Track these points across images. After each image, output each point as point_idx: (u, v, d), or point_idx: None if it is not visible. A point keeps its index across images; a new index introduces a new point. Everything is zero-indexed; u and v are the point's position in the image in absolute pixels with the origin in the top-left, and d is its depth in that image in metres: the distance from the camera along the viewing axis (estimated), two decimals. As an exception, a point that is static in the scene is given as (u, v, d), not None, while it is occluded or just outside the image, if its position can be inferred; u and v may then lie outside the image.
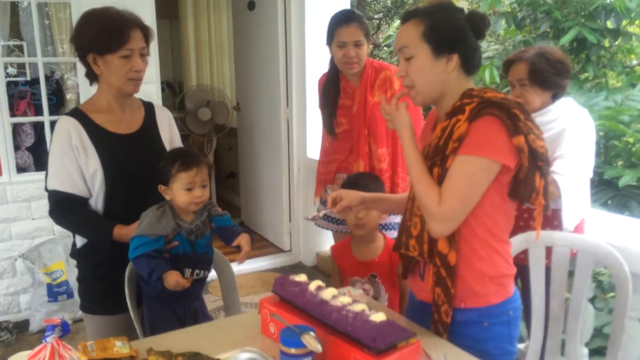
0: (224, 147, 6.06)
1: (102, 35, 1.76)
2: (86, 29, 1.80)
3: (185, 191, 1.74)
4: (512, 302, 1.56)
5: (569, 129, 2.17)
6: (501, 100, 1.43)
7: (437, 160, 1.48)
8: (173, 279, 1.66)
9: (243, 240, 1.81)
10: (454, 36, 1.48)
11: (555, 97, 2.26)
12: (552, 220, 2.22)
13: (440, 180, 1.46)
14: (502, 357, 1.47)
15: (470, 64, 1.52)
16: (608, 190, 3.62)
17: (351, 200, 1.77)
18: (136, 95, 1.96)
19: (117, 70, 1.79)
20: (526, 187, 1.45)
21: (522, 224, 2.24)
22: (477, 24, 1.49)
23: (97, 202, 1.85)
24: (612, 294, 2.85)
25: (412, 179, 1.51)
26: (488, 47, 4.76)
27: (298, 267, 4.45)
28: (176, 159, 1.77)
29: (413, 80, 1.52)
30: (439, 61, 1.48)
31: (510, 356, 1.55)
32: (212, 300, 3.65)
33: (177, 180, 1.74)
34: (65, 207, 1.83)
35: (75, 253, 1.95)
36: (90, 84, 1.91)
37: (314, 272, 4.30)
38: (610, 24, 4.25)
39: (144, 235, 1.71)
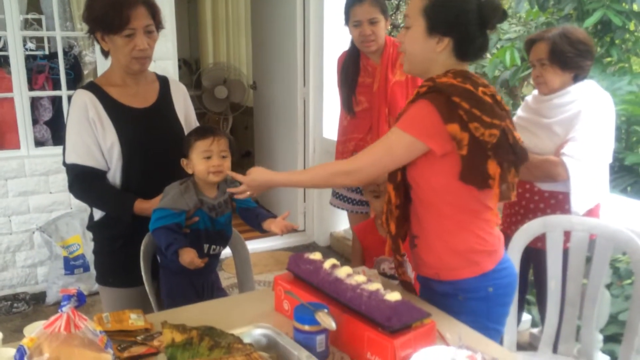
0: (239, 126, 6.06)
1: (104, 16, 1.75)
2: (92, 8, 1.79)
3: (204, 159, 1.77)
4: (491, 279, 1.57)
5: (585, 111, 2.12)
6: (446, 87, 1.46)
7: None
8: (189, 257, 1.67)
9: (273, 225, 1.83)
10: (452, 20, 1.50)
11: (576, 78, 2.20)
12: (563, 204, 2.18)
13: None
14: (480, 332, 1.47)
15: (464, 51, 1.53)
16: (628, 177, 3.56)
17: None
18: (150, 69, 1.95)
19: (122, 50, 1.78)
20: (477, 173, 1.47)
21: (532, 207, 2.22)
22: (486, 14, 1.49)
23: (114, 175, 1.86)
24: (629, 281, 2.82)
25: (312, 183, 1.81)
26: (509, 29, 4.67)
27: (312, 247, 4.45)
28: (195, 130, 1.85)
29: (405, 47, 1.59)
30: (431, 39, 1.52)
31: (488, 332, 1.52)
32: (225, 277, 3.68)
33: (195, 149, 1.78)
34: (86, 181, 1.83)
35: (92, 226, 1.97)
36: (105, 58, 1.91)
37: (327, 252, 4.30)
38: (636, 7, 4.14)
39: (167, 208, 1.72)
